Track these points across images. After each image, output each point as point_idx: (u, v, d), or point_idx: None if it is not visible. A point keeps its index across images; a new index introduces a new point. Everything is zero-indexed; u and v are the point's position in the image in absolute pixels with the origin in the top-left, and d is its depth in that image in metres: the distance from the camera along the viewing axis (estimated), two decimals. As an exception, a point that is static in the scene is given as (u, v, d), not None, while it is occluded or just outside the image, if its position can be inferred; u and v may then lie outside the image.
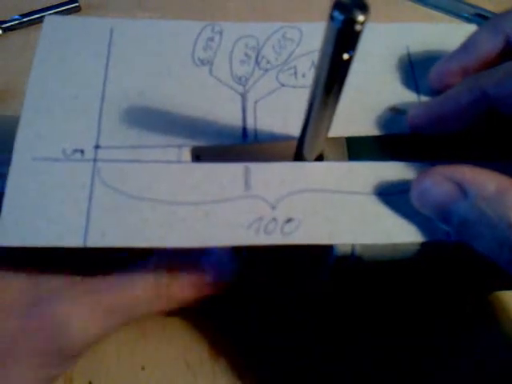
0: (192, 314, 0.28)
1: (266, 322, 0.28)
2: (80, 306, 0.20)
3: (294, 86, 0.23)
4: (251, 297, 0.28)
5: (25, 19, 0.38)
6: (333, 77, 0.16)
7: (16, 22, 0.38)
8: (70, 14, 0.39)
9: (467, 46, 0.21)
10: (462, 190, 0.17)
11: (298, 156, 0.20)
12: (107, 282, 0.21)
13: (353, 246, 0.19)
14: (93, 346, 0.21)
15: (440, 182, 0.18)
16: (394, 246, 0.19)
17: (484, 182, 0.17)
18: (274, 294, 0.28)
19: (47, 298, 0.20)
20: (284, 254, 0.21)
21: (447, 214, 0.18)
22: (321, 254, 0.21)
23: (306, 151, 0.20)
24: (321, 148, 0.20)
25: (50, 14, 0.38)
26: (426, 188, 0.18)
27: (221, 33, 0.24)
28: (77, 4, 0.39)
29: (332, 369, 0.27)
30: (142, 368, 0.27)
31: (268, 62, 0.23)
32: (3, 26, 0.37)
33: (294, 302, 0.28)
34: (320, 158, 0.21)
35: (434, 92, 0.22)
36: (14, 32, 0.38)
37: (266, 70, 0.23)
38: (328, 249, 0.20)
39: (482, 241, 0.17)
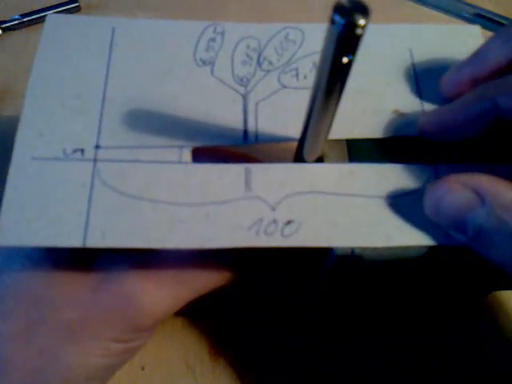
0: (192, 315, 0.28)
1: (266, 322, 0.28)
2: (149, 281, 0.20)
3: (295, 88, 0.23)
4: (259, 298, 0.28)
5: (25, 19, 0.38)
6: (333, 80, 0.16)
7: (16, 21, 0.38)
8: (69, 13, 0.38)
9: (478, 55, 0.21)
10: (480, 197, 0.17)
11: (298, 158, 0.21)
12: (171, 256, 0.21)
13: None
14: (167, 318, 0.22)
15: (456, 190, 0.18)
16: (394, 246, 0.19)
17: (502, 189, 0.17)
18: (275, 295, 0.28)
19: (117, 276, 0.20)
20: (284, 255, 0.21)
21: (462, 222, 0.18)
22: (320, 253, 0.21)
23: (306, 153, 0.20)
24: (321, 150, 0.20)
25: (50, 13, 0.38)
26: (442, 195, 0.18)
27: (223, 33, 0.24)
28: (77, 4, 0.38)
29: (336, 369, 0.27)
30: (142, 368, 0.27)
31: (270, 63, 0.23)
32: (3, 25, 0.37)
33: (296, 303, 0.28)
34: (320, 160, 0.21)
35: (437, 96, 0.22)
36: (13, 32, 0.38)
37: (268, 71, 0.23)
38: (328, 248, 0.20)
39: (499, 250, 0.17)
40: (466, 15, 0.42)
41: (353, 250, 0.19)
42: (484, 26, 0.40)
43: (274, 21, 0.24)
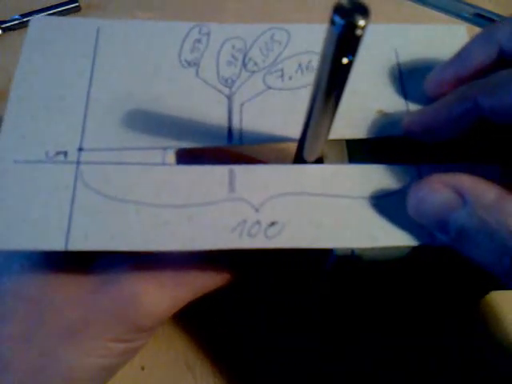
0: (192, 315, 0.28)
1: (265, 322, 0.28)
2: (149, 282, 0.20)
3: (280, 89, 0.22)
4: (257, 298, 0.28)
5: (25, 19, 0.38)
6: (333, 80, 0.16)
7: (16, 21, 0.38)
8: (69, 14, 0.38)
9: (461, 55, 0.21)
10: (461, 197, 0.17)
11: (299, 158, 0.21)
12: (170, 257, 0.21)
13: None
14: (167, 319, 0.22)
15: (438, 190, 0.18)
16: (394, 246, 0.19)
17: (483, 190, 0.17)
18: (277, 295, 0.28)
19: (116, 277, 0.20)
20: (283, 255, 0.21)
21: (444, 222, 0.18)
22: (320, 254, 0.21)
23: (306, 153, 0.20)
24: (320, 150, 0.20)
25: (50, 14, 0.38)
26: (424, 195, 0.18)
27: (208, 34, 0.24)
28: (77, 4, 0.38)
29: (336, 369, 0.27)
30: (142, 368, 0.27)
31: (255, 64, 0.23)
32: (3, 25, 0.37)
33: (297, 304, 0.28)
34: (320, 161, 0.21)
35: (422, 96, 0.22)
36: (13, 32, 0.38)
37: (253, 72, 0.23)
38: (328, 249, 0.20)
39: (481, 250, 0.17)
40: (466, 15, 0.42)
41: (353, 250, 0.19)
42: (484, 26, 0.40)
43: (274, 21, 0.24)
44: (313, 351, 0.27)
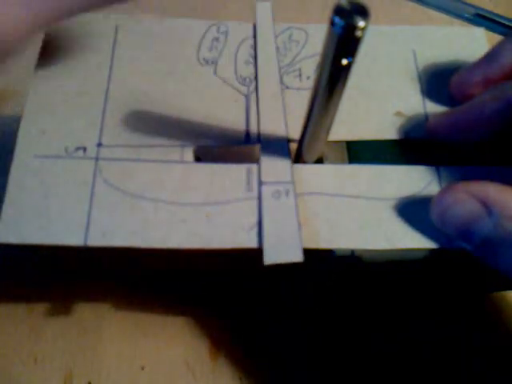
0: (192, 314, 0.28)
1: (266, 322, 0.28)
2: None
3: (298, 89, 0.23)
4: (261, 298, 0.28)
5: (25, 19, 0.38)
6: (332, 82, 0.16)
7: (16, 21, 0.38)
8: (69, 13, 0.38)
9: (491, 56, 0.21)
10: (487, 208, 0.17)
11: (298, 158, 0.21)
12: None
13: None
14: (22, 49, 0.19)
15: (463, 200, 0.18)
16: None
17: (509, 200, 0.17)
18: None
19: None
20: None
21: (469, 232, 0.18)
22: (320, 254, 0.21)
23: (306, 154, 0.20)
24: (320, 151, 0.20)
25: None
26: (449, 205, 0.18)
27: (226, 33, 0.24)
28: (77, 4, 0.38)
29: (336, 369, 0.27)
30: (142, 368, 0.27)
31: None
32: (3, 25, 0.37)
33: (297, 304, 0.28)
34: (320, 161, 0.21)
35: (440, 98, 0.22)
36: (13, 32, 0.38)
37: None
38: (327, 249, 0.20)
39: (505, 260, 0.17)
40: (466, 15, 0.42)
41: (352, 250, 0.19)
42: (484, 27, 0.40)
43: (274, 21, 0.24)
44: (312, 351, 0.27)
